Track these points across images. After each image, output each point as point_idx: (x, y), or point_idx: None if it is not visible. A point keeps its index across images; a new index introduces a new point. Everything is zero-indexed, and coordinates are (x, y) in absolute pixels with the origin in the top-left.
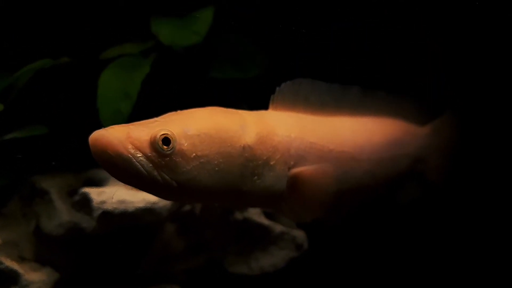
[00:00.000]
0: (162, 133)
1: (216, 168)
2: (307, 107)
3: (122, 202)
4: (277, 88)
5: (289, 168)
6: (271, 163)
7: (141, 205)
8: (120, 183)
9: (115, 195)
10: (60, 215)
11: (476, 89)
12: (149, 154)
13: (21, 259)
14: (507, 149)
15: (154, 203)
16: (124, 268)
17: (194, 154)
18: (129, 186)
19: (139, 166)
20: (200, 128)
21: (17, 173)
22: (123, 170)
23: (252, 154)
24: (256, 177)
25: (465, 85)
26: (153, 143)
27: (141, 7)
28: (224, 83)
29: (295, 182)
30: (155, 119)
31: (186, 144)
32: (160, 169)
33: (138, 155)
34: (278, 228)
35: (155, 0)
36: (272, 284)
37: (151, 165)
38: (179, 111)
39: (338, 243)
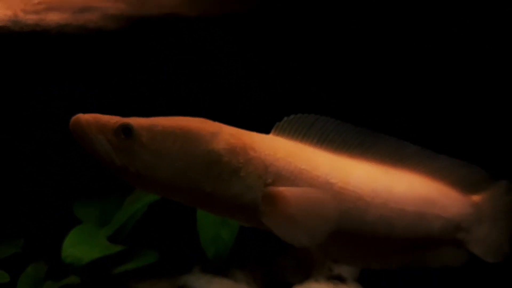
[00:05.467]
0: (125, 122)
1: (176, 164)
2: (321, 144)
3: None
4: (285, 118)
5: (266, 185)
6: (241, 174)
7: None
8: None
9: None
10: None
11: None
12: (110, 138)
13: None
14: None
15: None
16: None
17: (154, 147)
18: None
19: (99, 145)
20: (168, 126)
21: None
22: (87, 147)
23: (218, 160)
24: (221, 182)
25: None
26: (115, 130)
27: None
28: None
29: (273, 200)
30: None
31: (146, 136)
32: (118, 152)
33: (99, 137)
34: None
35: None
36: None
37: (110, 147)
38: None
39: None
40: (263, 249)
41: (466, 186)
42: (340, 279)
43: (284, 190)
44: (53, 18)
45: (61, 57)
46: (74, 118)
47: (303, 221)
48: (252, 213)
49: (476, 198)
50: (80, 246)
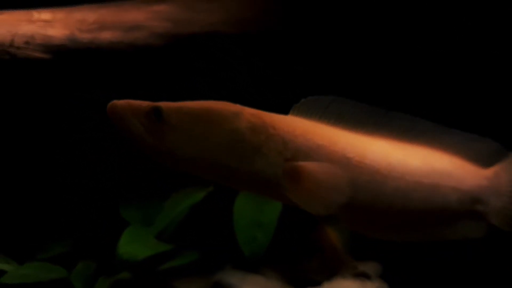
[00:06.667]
0: (155, 105)
1: (203, 143)
2: (338, 123)
3: None
4: (303, 99)
5: (285, 160)
6: (263, 150)
7: None
8: None
9: None
10: None
11: None
12: (142, 121)
13: None
14: None
15: None
16: None
17: (182, 128)
18: None
19: (132, 127)
20: (194, 108)
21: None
22: (122, 130)
23: (241, 138)
24: (245, 159)
25: None
26: (147, 113)
27: None
28: None
29: (292, 174)
30: None
31: (175, 118)
32: (149, 133)
33: (133, 119)
34: None
35: None
36: None
37: (142, 128)
38: None
39: None
40: (291, 249)
41: (480, 159)
42: (365, 276)
43: (302, 164)
44: (106, 36)
45: (111, 71)
46: (110, 103)
47: (319, 193)
48: (275, 187)
49: (491, 170)
50: (134, 244)
